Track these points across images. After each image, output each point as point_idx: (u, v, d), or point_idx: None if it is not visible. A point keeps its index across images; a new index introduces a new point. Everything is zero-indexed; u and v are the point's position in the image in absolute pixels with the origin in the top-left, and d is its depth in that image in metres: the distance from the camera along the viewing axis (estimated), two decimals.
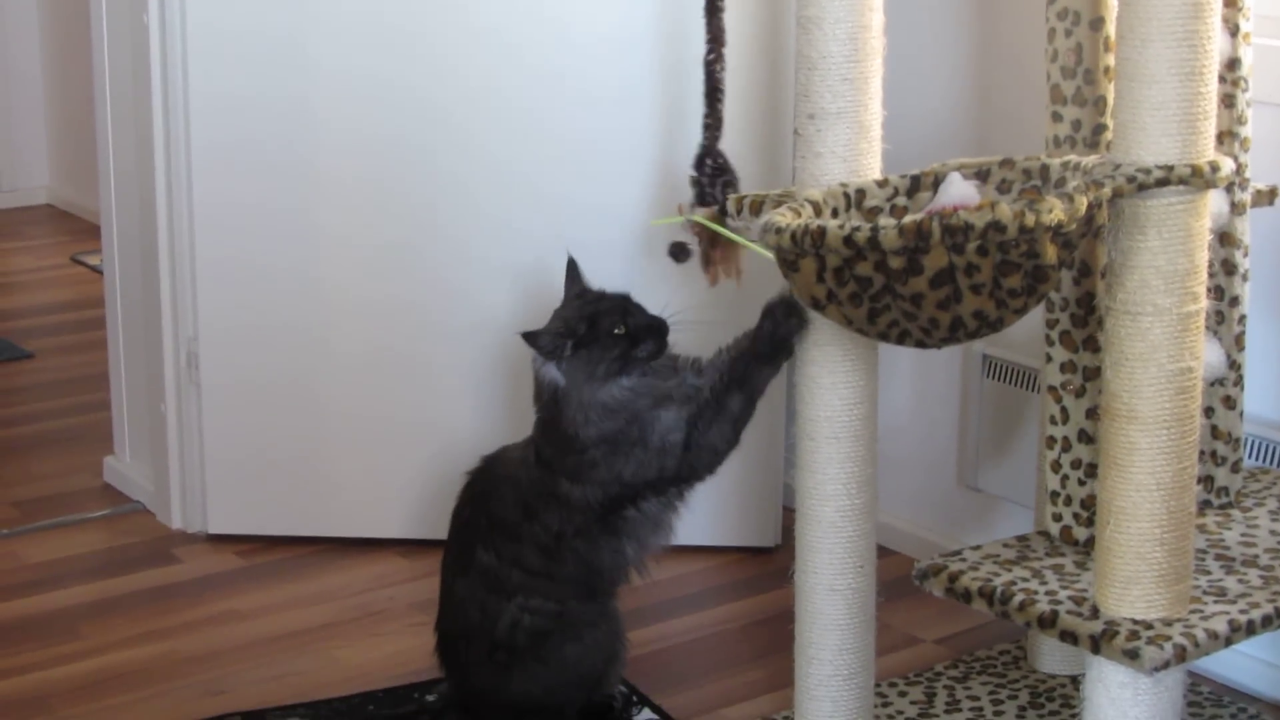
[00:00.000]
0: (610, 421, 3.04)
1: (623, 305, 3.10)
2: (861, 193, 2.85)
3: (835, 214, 2.82)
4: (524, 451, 3.17)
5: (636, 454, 3.06)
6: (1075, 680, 3.37)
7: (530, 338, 3.04)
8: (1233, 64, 2.91)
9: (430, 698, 3.37)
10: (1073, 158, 2.72)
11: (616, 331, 3.06)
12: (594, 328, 3.06)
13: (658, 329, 3.07)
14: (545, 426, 3.11)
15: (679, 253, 3.23)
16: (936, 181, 2.85)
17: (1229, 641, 2.64)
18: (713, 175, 3.17)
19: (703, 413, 3.06)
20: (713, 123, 3.21)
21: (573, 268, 3.19)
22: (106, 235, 4.38)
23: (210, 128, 3.96)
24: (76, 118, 7.14)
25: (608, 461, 3.06)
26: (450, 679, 3.22)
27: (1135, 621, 2.62)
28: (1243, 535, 2.96)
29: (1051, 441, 2.97)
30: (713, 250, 3.12)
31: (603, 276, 3.23)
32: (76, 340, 5.74)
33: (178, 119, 3.99)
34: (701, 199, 3.17)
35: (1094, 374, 2.88)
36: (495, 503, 3.15)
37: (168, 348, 4.14)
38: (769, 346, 3.00)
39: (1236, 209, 2.96)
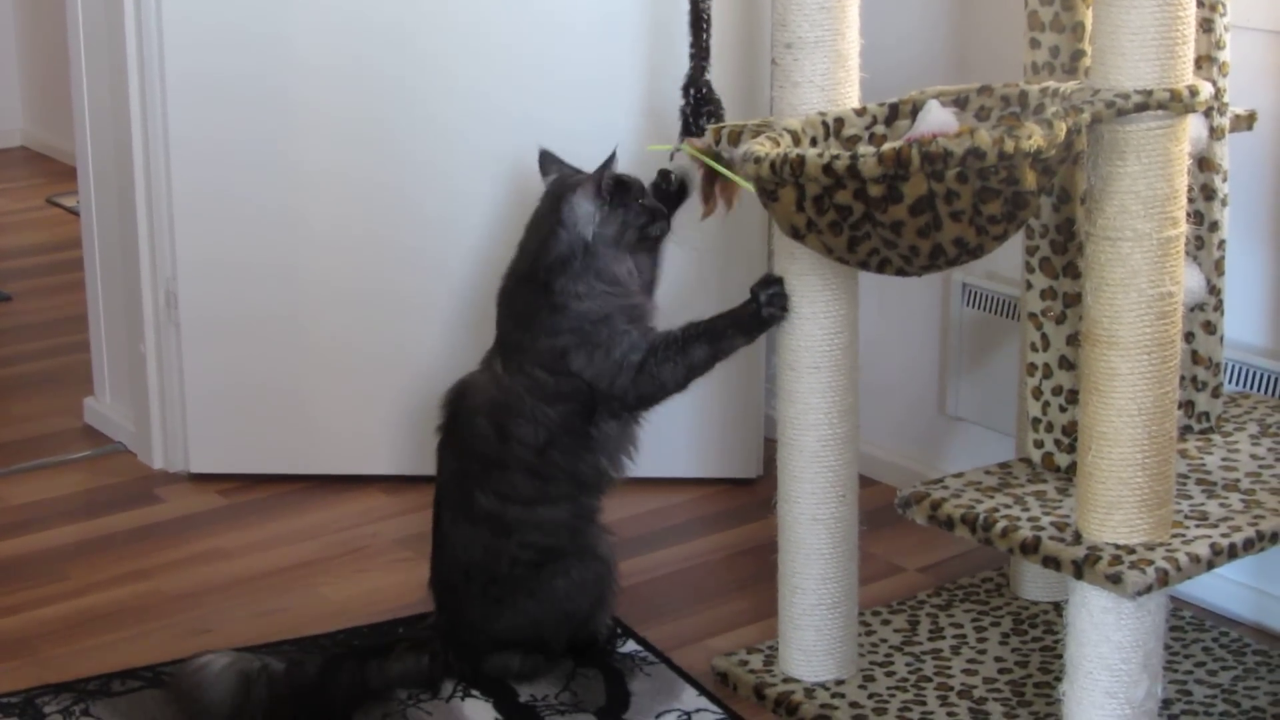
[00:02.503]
0: (601, 301, 3.08)
1: (640, 182, 3.17)
2: (840, 121, 2.85)
3: (814, 143, 2.81)
4: (487, 371, 3.20)
5: (598, 357, 3.09)
6: (1058, 606, 3.39)
7: (586, 181, 3.10)
8: None
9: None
10: (1051, 84, 2.72)
11: (643, 201, 3.14)
12: (625, 192, 3.13)
13: (664, 211, 3.16)
14: (527, 297, 3.14)
15: (663, 181, 3.24)
16: (915, 109, 2.84)
17: (1211, 565, 2.65)
18: (697, 105, 3.16)
19: (666, 347, 3.10)
20: (698, 52, 3.21)
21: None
22: (82, 176, 4.36)
23: (185, 62, 3.93)
24: (50, 59, 7.10)
25: (574, 354, 3.09)
26: (442, 613, 3.23)
27: (1117, 546, 2.63)
28: (1224, 460, 2.97)
29: (1032, 368, 2.97)
30: (711, 184, 3.12)
31: None
32: (54, 282, 5.72)
33: (152, 54, 3.96)
34: (687, 129, 3.17)
35: (1074, 300, 2.88)
36: (477, 440, 3.16)
37: (146, 287, 4.13)
38: (751, 321, 3.06)
39: (1215, 134, 2.96)
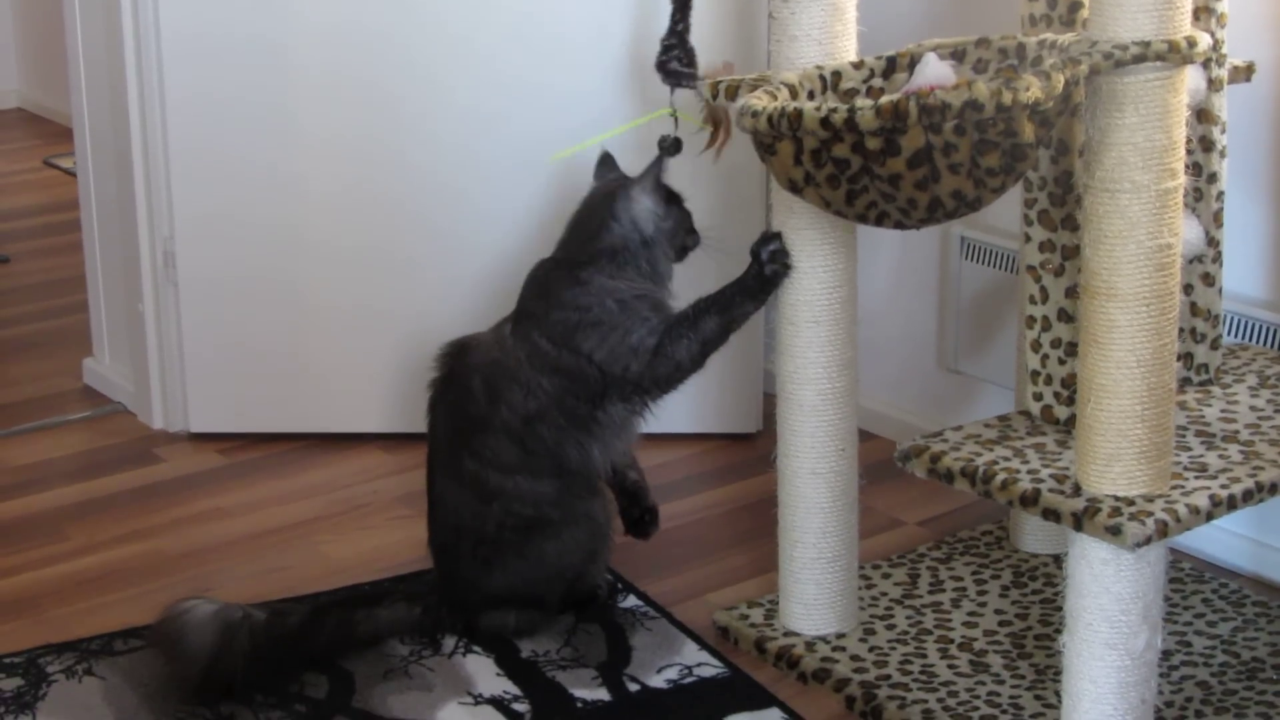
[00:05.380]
0: (630, 287, 3.10)
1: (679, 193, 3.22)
2: (837, 75, 2.85)
3: (811, 96, 2.81)
4: (495, 333, 3.20)
5: (613, 340, 3.08)
6: (1058, 559, 3.39)
7: (645, 179, 3.15)
8: None
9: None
10: (1049, 36, 2.71)
11: (685, 207, 3.20)
12: (674, 197, 3.20)
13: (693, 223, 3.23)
14: (556, 275, 3.15)
15: (672, 147, 3.24)
16: (912, 62, 2.84)
17: (1210, 516, 2.66)
18: (666, 49, 3.17)
19: (678, 325, 3.10)
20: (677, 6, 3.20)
21: (607, 160, 3.26)
22: (79, 136, 4.36)
23: (180, 21, 3.92)
24: (45, 21, 7.09)
25: (586, 333, 3.08)
26: (441, 572, 3.24)
27: (1117, 498, 2.63)
28: (1223, 411, 2.98)
29: (1031, 321, 2.97)
30: (718, 128, 3.14)
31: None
32: (52, 243, 5.72)
33: (147, 13, 3.95)
34: (677, 80, 3.16)
35: (1073, 253, 2.88)
36: (469, 401, 3.16)
37: (144, 247, 4.13)
38: (756, 283, 3.06)
39: (1214, 85, 2.95)
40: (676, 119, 3.22)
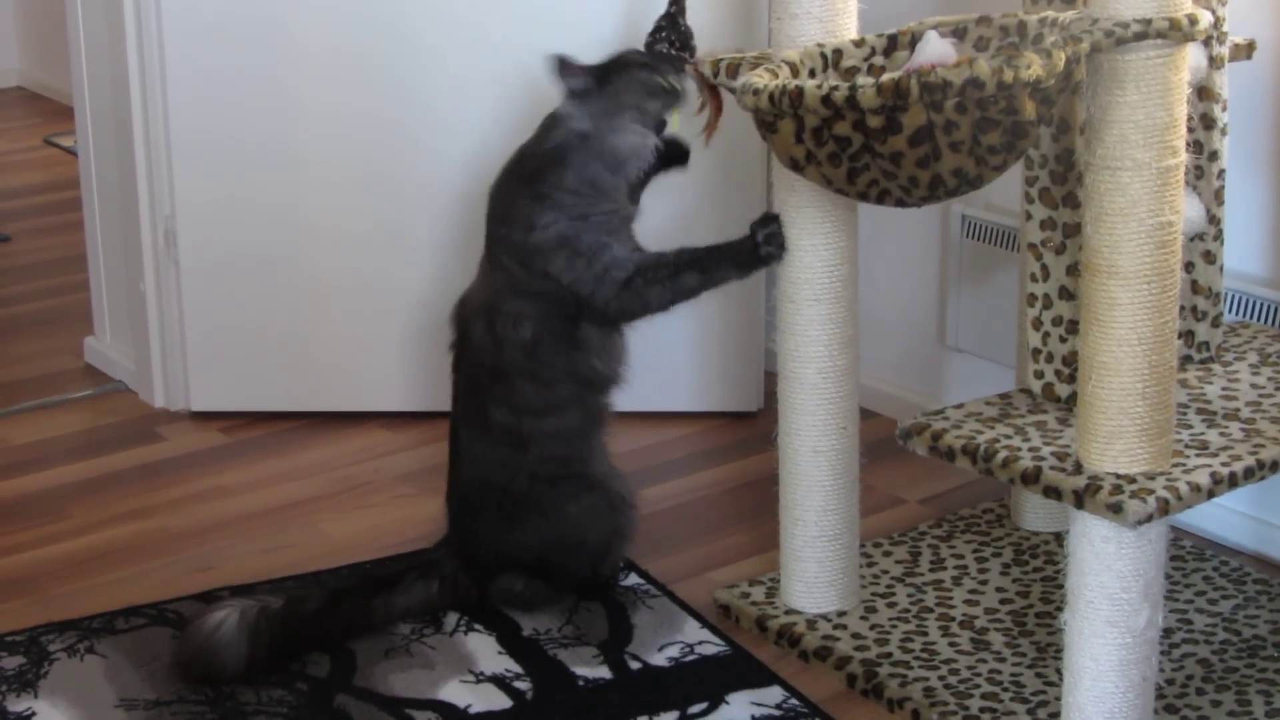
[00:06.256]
0: (582, 202, 3.07)
1: (638, 53, 3.15)
2: (839, 53, 2.84)
3: (812, 74, 2.81)
4: (480, 274, 3.21)
5: (579, 265, 3.08)
6: (1059, 537, 3.40)
7: (564, 73, 3.07)
8: None
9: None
10: (1050, 13, 2.71)
11: (642, 75, 3.10)
12: (621, 70, 3.10)
13: (674, 63, 3.12)
14: (513, 189, 3.13)
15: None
16: (914, 40, 2.84)
17: (1211, 494, 2.66)
18: (657, 29, 3.15)
19: (656, 268, 3.09)
20: None
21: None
22: (80, 114, 4.35)
23: None
24: None
25: (553, 256, 3.08)
26: (457, 530, 3.24)
27: (1118, 476, 2.63)
28: (1224, 389, 2.98)
29: (1032, 299, 2.97)
30: (714, 112, 3.11)
31: None
32: (53, 222, 5.72)
33: None
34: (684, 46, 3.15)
35: (1074, 230, 2.88)
36: (478, 350, 3.17)
37: (145, 226, 4.12)
38: (747, 257, 3.06)
39: (1215, 63, 2.95)
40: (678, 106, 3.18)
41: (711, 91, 3.08)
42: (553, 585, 3.23)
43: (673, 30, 3.18)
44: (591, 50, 3.79)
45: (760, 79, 2.65)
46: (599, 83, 3.08)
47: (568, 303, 3.10)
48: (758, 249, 3.03)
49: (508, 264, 3.12)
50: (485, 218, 3.19)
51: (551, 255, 3.08)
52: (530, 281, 3.10)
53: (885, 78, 2.48)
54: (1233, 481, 2.67)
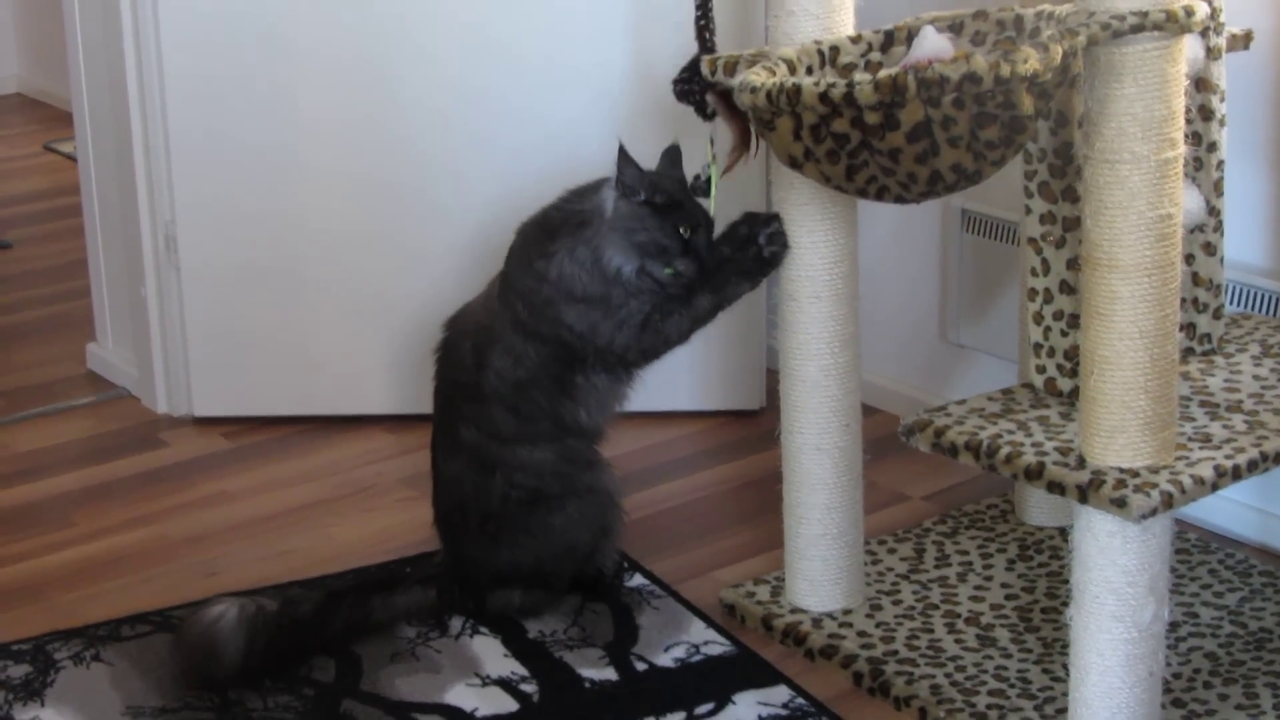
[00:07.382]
0: (592, 281, 3.04)
1: (702, 217, 3.08)
2: (836, 50, 2.84)
3: (810, 72, 2.81)
4: (485, 294, 3.20)
5: (594, 315, 3.06)
6: (1063, 531, 3.39)
7: (623, 164, 3.02)
8: None
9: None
10: (1046, 7, 2.71)
11: (681, 230, 3.04)
12: (667, 209, 3.04)
13: (702, 263, 3.05)
14: (534, 234, 3.10)
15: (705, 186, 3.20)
16: (910, 36, 2.83)
17: (1215, 487, 2.65)
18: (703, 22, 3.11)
19: (669, 301, 3.07)
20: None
21: (674, 153, 3.13)
22: (79, 120, 4.35)
23: (179, 2, 3.90)
24: (44, 5, 7.08)
25: (563, 306, 3.06)
26: (447, 550, 3.24)
27: (1122, 470, 2.63)
28: (1226, 381, 2.97)
29: (1033, 293, 2.97)
30: (742, 144, 3.07)
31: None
32: (54, 228, 5.72)
33: None
34: (704, 46, 3.11)
35: (1074, 224, 2.88)
36: (459, 369, 3.16)
37: (145, 231, 4.12)
38: (754, 264, 3.04)
39: (1212, 54, 2.95)
40: (714, 156, 3.14)
41: (741, 129, 3.03)
42: (551, 591, 3.23)
43: (707, 21, 3.12)
44: (596, 57, 3.81)
45: (757, 77, 2.65)
46: (645, 193, 3.02)
47: (576, 350, 3.09)
48: (762, 251, 3.03)
49: (515, 303, 3.11)
50: (508, 249, 3.18)
51: (564, 307, 3.07)
52: (538, 326, 3.09)
53: (882, 74, 2.47)
54: (1236, 474, 2.67)
